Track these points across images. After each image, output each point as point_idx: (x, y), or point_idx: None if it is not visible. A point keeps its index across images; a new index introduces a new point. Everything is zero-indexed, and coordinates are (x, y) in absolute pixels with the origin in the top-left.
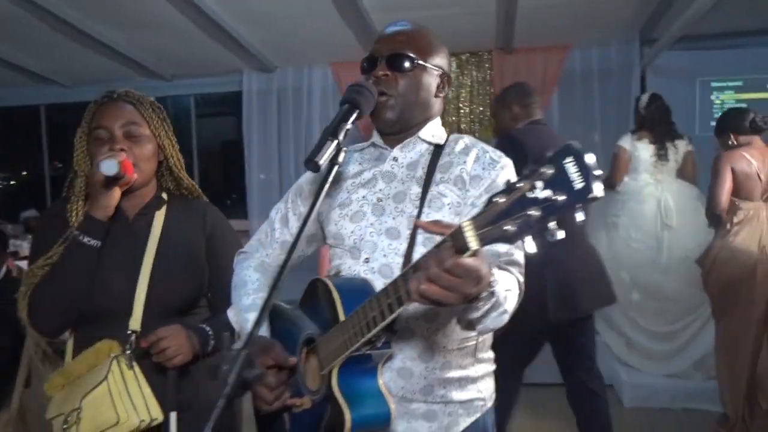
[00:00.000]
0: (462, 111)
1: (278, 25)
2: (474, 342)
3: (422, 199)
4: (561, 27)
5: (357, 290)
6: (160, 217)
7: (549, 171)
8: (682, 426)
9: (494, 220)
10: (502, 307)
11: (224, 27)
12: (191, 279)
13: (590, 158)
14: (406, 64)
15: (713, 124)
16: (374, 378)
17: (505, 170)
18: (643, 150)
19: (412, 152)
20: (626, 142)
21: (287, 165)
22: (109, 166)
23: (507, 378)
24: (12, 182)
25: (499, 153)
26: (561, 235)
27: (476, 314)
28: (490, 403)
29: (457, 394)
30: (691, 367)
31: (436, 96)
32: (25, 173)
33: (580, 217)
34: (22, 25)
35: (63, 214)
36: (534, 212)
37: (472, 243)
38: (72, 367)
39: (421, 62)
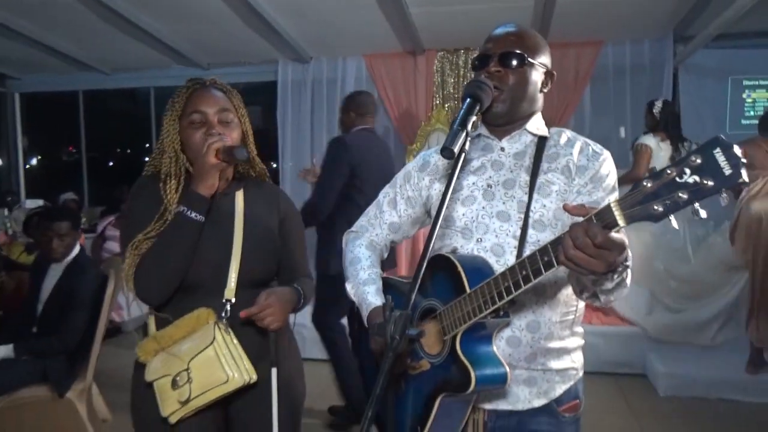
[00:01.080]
0: None
1: (316, 15)
2: (573, 316)
3: (531, 185)
4: (595, 22)
5: (479, 266)
6: (240, 197)
7: (698, 160)
8: (717, 416)
9: (642, 201)
10: (626, 280)
11: (263, 16)
12: (273, 254)
13: (737, 149)
14: (517, 62)
15: (744, 122)
16: (490, 344)
17: (607, 161)
18: (664, 149)
19: (518, 143)
20: (650, 141)
21: (320, 152)
22: (242, 153)
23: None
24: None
25: (599, 146)
26: (704, 215)
27: (609, 285)
28: (581, 373)
29: (555, 363)
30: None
31: (541, 91)
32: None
33: (724, 201)
34: (67, 12)
35: (154, 190)
36: (682, 194)
37: (621, 220)
38: (169, 333)
39: (530, 60)
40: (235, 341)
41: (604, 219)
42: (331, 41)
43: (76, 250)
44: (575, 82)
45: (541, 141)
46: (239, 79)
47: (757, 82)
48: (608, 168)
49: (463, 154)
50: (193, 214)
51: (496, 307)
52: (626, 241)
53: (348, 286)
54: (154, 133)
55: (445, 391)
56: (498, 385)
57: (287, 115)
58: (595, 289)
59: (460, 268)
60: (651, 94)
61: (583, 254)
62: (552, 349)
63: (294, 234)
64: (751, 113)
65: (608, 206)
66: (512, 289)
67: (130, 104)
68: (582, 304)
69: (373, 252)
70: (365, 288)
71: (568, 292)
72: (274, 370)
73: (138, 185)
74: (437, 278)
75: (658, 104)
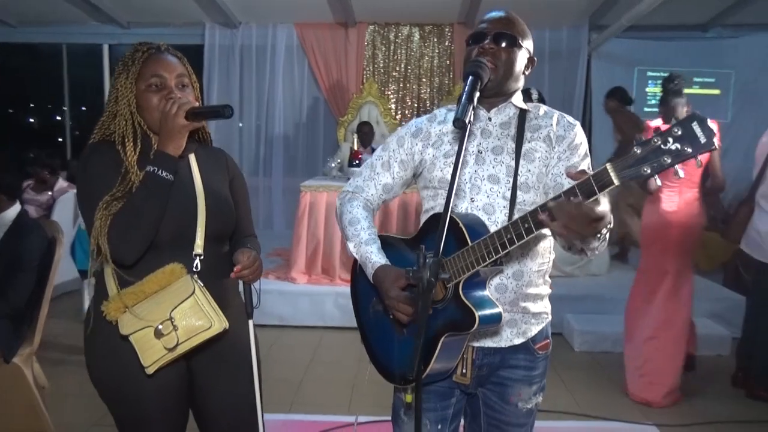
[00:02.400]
0: (423, 81)
1: None
2: (546, 266)
3: (517, 152)
4: (520, 7)
5: (477, 223)
6: (193, 159)
7: (679, 131)
8: (622, 365)
9: (632, 164)
10: (607, 237)
11: None
12: (231, 209)
13: (711, 123)
14: (508, 42)
15: (646, 109)
16: (485, 289)
17: (579, 132)
18: None
19: (503, 114)
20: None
21: (248, 121)
22: (227, 110)
23: None
24: None
25: (572, 117)
26: (682, 174)
27: (596, 243)
28: (550, 317)
29: (532, 307)
30: None
31: (523, 73)
32: None
33: (699, 164)
34: None
35: (108, 153)
36: (666, 159)
37: (615, 180)
38: (141, 288)
39: (519, 42)
40: (207, 293)
41: (602, 179)
42: (261, 7)
43: (15, 210)
44: None
45: (522, 113)
46: (164, 40)
47: (658, 74)
48: (581, 137)
49: (469, 125)
50: (164, 173)
51: (499, 256)
52: (608, 210)
53: (350, 245)
54: (66, 92)
55: (449, 331)
56: (494, 323)
57: (213, 81)
58: (582, 246)
59: (461, 224)
60: (567, 79)
61: (570, 223)
62: (530, 294)
63: (241, 194)
64: (652, 102)
65: (604, 168)
66: (515, 240)
67: (27, 60)
68: (553, 256)
69: (369, 212)
70: (368, 248)
71: (545, 244)
72: (251, 322)
73: (90, 150)
74: (434, 234)
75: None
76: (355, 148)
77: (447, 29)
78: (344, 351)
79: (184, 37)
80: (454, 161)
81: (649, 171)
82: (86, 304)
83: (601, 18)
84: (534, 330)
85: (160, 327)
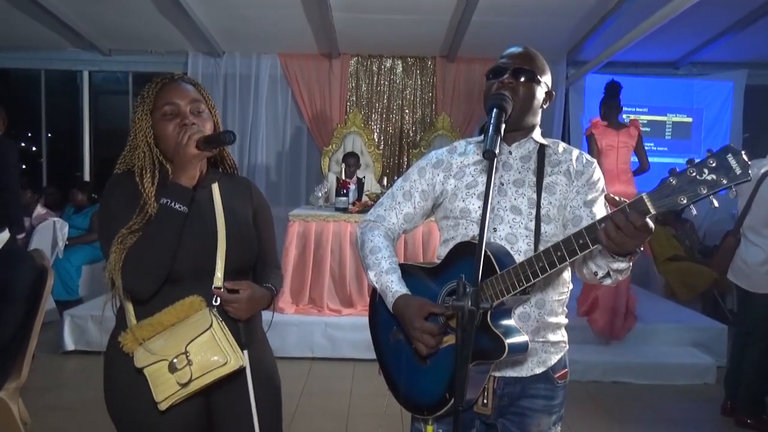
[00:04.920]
0: (406, 113)
1: (232, 7)
2: (566, 296)
3: (539, 185)
4: (500, 42)
5: (504, 252)
6: (216, 189)
7: (714, 162)
8: (613, 397)
9: (669, 194)
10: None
11: (178, 1)
12: (253, 242)
13: (744, 155)
14: (527, 77)
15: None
16: (510, 317)
17: (597, 168)
18: None
19: (523, 149)
20: None
21: (231, 149)
22: (229, 136)
23: None
24: None
25: (589, 155)
26: (716, 204)
27: (624, 265)
28: (567, 346)
29: (552, 336)
30: None
31: (541, 107)
32: None
33: (732, 195)
34: None
35: (128, 186)
36: (702, 189)
37: (652, 209)
38: (159, 320)
39: (538, 78)
40: (226, 328)
41: (638, 208)
42: (245, 36)
43: (3, 237)
44: (480, 95)
45: (542, 148)
46: (145, 68)
47: (633, 109)
48: (599, 174)
49: (496, 157)
50: (177, 205)
51: (531, 284)
52: (653, 227)
53: (370, 274)
54: (43, 118)
55: (476, 360)
56: (521, 352)
57: None
58: (610, 269)
59: (489, 253)
60: (546, 110)
61: (624, 235)
62: (551, 323)
63: (265, 224)
64: None
65: (641, 198)
66: (547, 268)
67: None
68: (571, 287)
69: (390, 242)
70: (388, 276)
71: (565, 275)
72: (245, 353)
73: (112, 182)
74: (462, 262)
75: None
76: (343, 178)
77: (429, 62)
78: (335, 382)
79: (166, 65)
80: (480, 192)
81: (685, 201)
82: (66, 337)
83: (578, 54)
84: (554, 359)
85: (175, 361)
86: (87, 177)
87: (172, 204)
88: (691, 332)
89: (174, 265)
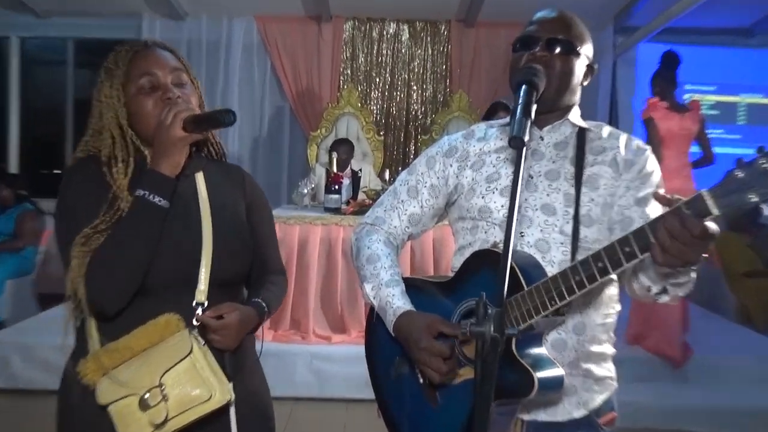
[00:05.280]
0: (413, 89)
1: None
2: (612, 319)
3: (578, 177)
4: (531, 3)
5: (532, 262)
6: (201, 179)
7: None
8: None
9: (735, 190)
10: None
11: None
12: (246, 245)
13: None
14: (564, 49)
15: None
16: (541, 345)
17: (651, 158)
18: None
19: (557, 133)
20: None
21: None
22: (228, 117)
23: None
24: None
25: (641, 141)
26: None
27: (685, 278)
28: (616, 383)
29: (596, 370)
30: None
31: (581, 84)
32: None
33: None
34: None
35: (94, 174)
36: None
37: (714, 209)
38: (126, 343)
39: (577, 48)
40: (210, 354)
41: (696, 208)
42: None
43: None
44: (505, 66)
45: (581, 133)
46: (88, 34)
47: (696, 89)
48: (653, 164)
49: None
50: (157, 199)
51: (566, 302)
52: (716, 232)
53: (367, 287)
54: None
55: (499, 398)
56: (554, 390)
57: None
58: (666, 283)
59: (514, 264)
60: (589, 88)
61: (680, 244)
62: (593, 353)
63: (263, 222)
64: None
65: (699, 195)
66: (585, 282)
67: None
68: (619, 308)
69: (392, 249)
70: (389, 290)
71: (610, 292)
72: (230, 386)
73: (71, 170)
74: (481, 276)
75: None
76: (334, 170)
77: (443, 27)
78: (323, 429)
79: (115, 31)
80: (503, 187)
81: (755, 198)
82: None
83: (627, 19)
84: (597, 399)
85: (147, 396)
86: (13, 168)
87: (151, 197)
88: None
89: (151, 274)
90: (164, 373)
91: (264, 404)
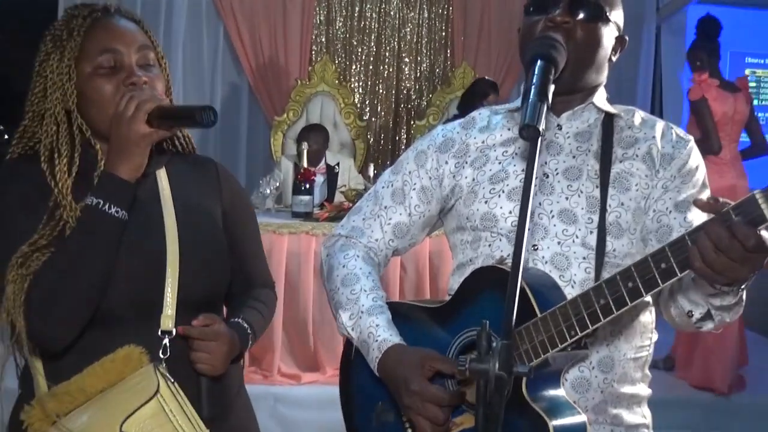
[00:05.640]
0: (405, 62)
1: None
2: (646, 352)
3: (604, 177)
4: None
5: (547, 283)
6: (163, 177)
7: None
8: None
9: None
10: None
11: None
12: (220, 258)
13: None
14: (591, 13)
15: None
16: (558, 385)
17: (695, 150)
18: None
19: (579, 120)
20: None
21: None
22: (207, 115)
23: None
24: None
25: (683, 130)
26: None
27: (732, 299)
28: (651, 431)
29: (627, 416)
30: None
31: (610, 59)
32: None
33: None
34: None
35: (31, 177)
36: None
37: None
38: (80, 384)
39: (606, 13)
40: (181, 393)
41: (749, 213)
42: None
43: None
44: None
45: (608, 120)
46: None
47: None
48: (697, 158)
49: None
50: (113, 209)
51: (588, 332)
52: None
53: (343, 317)
54: None
55: None
56: None
57: None
58: (711, 306)
59: (524, 285)
60: (628, 58)
61: (728, 259)
62: (624, 395)
63: (244, 226)
64: (756, 102)
65: (752, 197)
66: (612, 308)
67: None
68: (655, 338)
69: (372, 267)
70: (372, 319)
71: (645, 319)
72: None
73: (5, 174)
74: (484, 299)
75: None
76: (304, 164)
77: None
78: None
79: None
80: (512, 188)
81: None
82: None
83: None
84: None
85: None
86: None
87: (106, 207)
88: None
89: (105, 299)
90: (125, 420)
91: None
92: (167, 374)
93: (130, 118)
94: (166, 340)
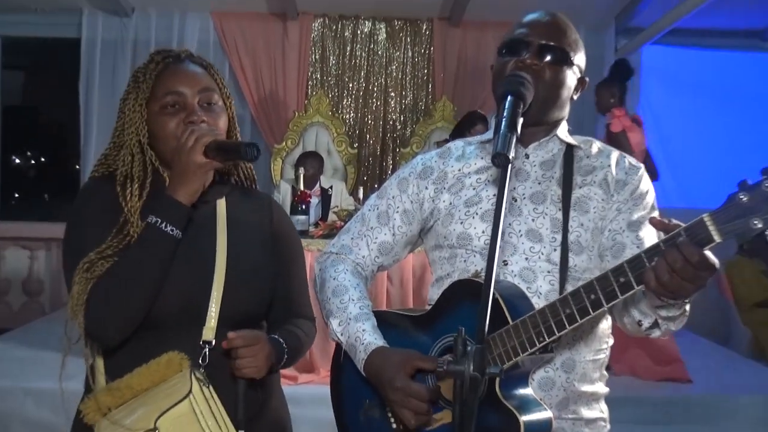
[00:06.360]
0: (391, 96)
1: None
2: (604, 355)
3: (565, 201)
4: (522, 1)
5: (517, 293)
6: (222, 206)
7: None
8: None
9: (739, 216)
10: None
11: None
12: (265, 282)
13: None
14: (557, 57)
15: None
16: (527, 385)
17: (645, 177)
18: None
19: (544, 150)
20: None
21: None
22: (251, 151)
23: None
24: None
25: (633, 158)
26: None
27: (676, 312)
28: (608, 426)
29: (586, 411)
30: None
31: (571, 98)
32: None
33: None
34: None
35: (108, 196)
36: None
37: (716, 236)
38: (128, 383)
39: (570, 58)
40: (215, 397)
41: (697, 235)
42: None
43: None
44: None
45: (569, 150)
46: (22, 31)
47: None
48: (647, 184)
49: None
50: (169, 228)
51: (555, 338)
52: (717, 261)
53: (334, 323)
54: None
55: None
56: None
57: (93, 89)
58: (657, 316)
59: (497, 296)
60: (587, 93)
61: (680, 279)
62: (584, 393)
63: (291, 257)
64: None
65: (701, 221)
66: (576, 316)
67: None
68: (611, 342)
69: (360, 279)
70: (359, 324)
71: (602, 326)
72: None
73: (86, 189)
74: (460, 309)
75: None
76: (301, 187)
77: (425, 26)
78: None
79: (52, 28)
80: (485, 211)
81: (760, 225)
82: None
83: (631, 19)
84: None
85: None
86: None
87: (162, 225)
88: None
89: (156, 307)
90: (160, 416)
91: None
92: (203, 379)
93: (190, 149)
94: (206, 350)
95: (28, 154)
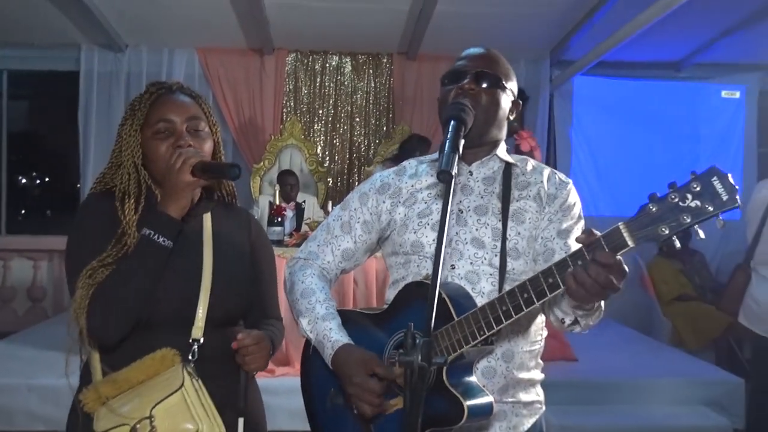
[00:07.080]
0: (356, 121)
1: None
2: (538, 346)
3: (504, 212)
4: (471, 37)
5: (462, 293)
6: (208, 221)
7: (698, 187)
8: None
9: (649, 224)
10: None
11: None
12: (246, 287)
13: (731, 178)
14: (491, 83)
15: None
16: (471, 373)
17: (573, 191)
18: None
19: (485, 168)
20: None
21: None
22: (233, 170)
23: None
24: None
25: (564, 175)
26: (702, 235)
27: (593, 309)
28: (544, 407)
29: (524, 395)
30: None
31: (507, 119)
32: None
33: (719, 224)
34: None
35: (107, 210)
36: (685, 217)
37: (630, 241)
38: (126, 376)
39: (503, 83)
40: (203, 388)
41: (614, 241)
42: (154, 27)
43: None
44: None
45: (507, 168)
46: (23, 65)
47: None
48: (575, 197)
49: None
50: (161, 239)
51: (494, 331)
52: (627, 271)
53: (303, 322)
54: None
55: (430, 428)
56: (484, 416)
57: (91, 117)
58: (577, 315)
59: (445, 296)
60: (528, 117)
61: (594, 281)
62: (522, 380)
63: (265, 265)
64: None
65: (617, 228)
66: (512, 312)
67: None
68: (545, 334)
69: (325, 283)
70: (326, 323)
71: (537, 321)
72: (241, 421)
73: (87, 204)
74: (412, 307)
75: None
76: (277, 202)
77: (385, 60)
78: None
79: (52, 62)
80: (434, 222)
81: (667, 231)
82: None
83: (563, 53)
84: (526, 424)
85: (138, 427)
86: None
87: (155, 236)
88: (702, 388)
89: (150, 310)
90: (155, 405)
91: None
92: (193, 372)
93: (178, 170)
94: (195, 347)
95: (33, 174)
